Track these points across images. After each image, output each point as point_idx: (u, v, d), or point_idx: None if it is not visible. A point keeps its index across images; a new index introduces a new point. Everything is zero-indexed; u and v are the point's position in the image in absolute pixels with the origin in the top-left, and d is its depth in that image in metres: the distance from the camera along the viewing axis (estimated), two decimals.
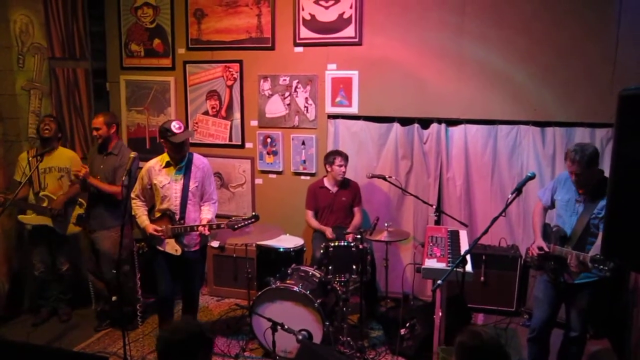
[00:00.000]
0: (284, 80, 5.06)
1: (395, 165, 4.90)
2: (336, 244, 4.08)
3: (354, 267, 3.97)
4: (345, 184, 4.68)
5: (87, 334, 4.43)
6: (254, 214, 3.83)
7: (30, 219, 4.42)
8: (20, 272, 4.76)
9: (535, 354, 3.58)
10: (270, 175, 5.27)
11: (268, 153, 5.22)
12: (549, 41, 4.36)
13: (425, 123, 4.82)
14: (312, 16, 4.88)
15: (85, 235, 4.63)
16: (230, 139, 5.33)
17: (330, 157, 4.59)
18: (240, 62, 5.17)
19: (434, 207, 4.56)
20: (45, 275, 4.55)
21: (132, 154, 3.87)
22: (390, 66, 4.76)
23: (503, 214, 3.06)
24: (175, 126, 3.74)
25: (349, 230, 4.42)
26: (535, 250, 3.43)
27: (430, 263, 3.44)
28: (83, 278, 4.75)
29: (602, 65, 4.25)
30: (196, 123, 5.41)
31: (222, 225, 3.77)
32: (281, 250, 4.39)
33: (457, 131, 4.74)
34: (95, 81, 5.51)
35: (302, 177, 5.14)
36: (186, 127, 4.26)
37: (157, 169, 3.85)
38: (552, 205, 3.57)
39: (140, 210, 3.92)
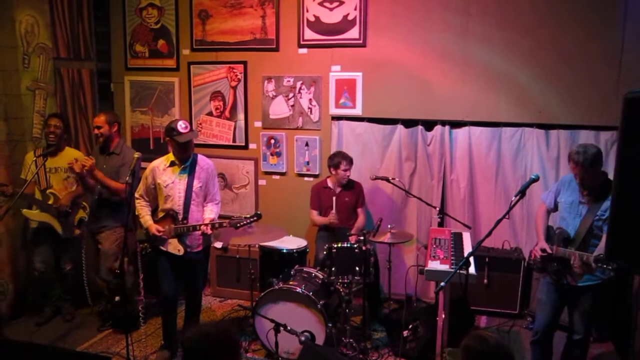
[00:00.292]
0: (288, 81, 5.07)
1: (399, 166, 4.90)
2: (339, 245, 4.07)
3: (357, 268, 3.96)
4: (348, 184, 4.67)
5: (90, 334, 4.44)
6: (256, 212, 3.84)
7: (34, 214, 4.42)
8: (25, 272, 4.77)
9: (538, 357, 3.57)
10: (274, 177, 5.27)
11: (272, 154, 5.22)
12: (554, 43, 4.35)
13: (429, 125, 4.81)
14: (317, 18, 4.89)
15: (90, 236, 4.63)
16: (234, 140, 5.33)
17: (336, 160, 4.56)
18: (244, 63, 5.18)
19: (438, 209, 4.56)
20: (45, 275, 4.54)
21: (136, 154, 3.89)
22: (394, 68, 4.76)
23: (507, 217, 3.04)
24: (181, 126, 3.74)
25: (352, 232, 4.42)
26: (538, 252, 3.42)
27: (434, 265, 3.43)
28: (85, 278, 4.75)
29: (607, 68, 4.24)
30: (200, 124, 5.42)
31: (225, 224, 3.77)
32: (284, 251, 4.39)
33: (461, 133, 4.74)
34: (100, 82, 5.54)
35: (306, 179, 5.14)
36: (192, 127, 4.26)
37: (162, 169, 3.85)
38: (555, 208, 3.57)
39: (144, 210, 3.92)
